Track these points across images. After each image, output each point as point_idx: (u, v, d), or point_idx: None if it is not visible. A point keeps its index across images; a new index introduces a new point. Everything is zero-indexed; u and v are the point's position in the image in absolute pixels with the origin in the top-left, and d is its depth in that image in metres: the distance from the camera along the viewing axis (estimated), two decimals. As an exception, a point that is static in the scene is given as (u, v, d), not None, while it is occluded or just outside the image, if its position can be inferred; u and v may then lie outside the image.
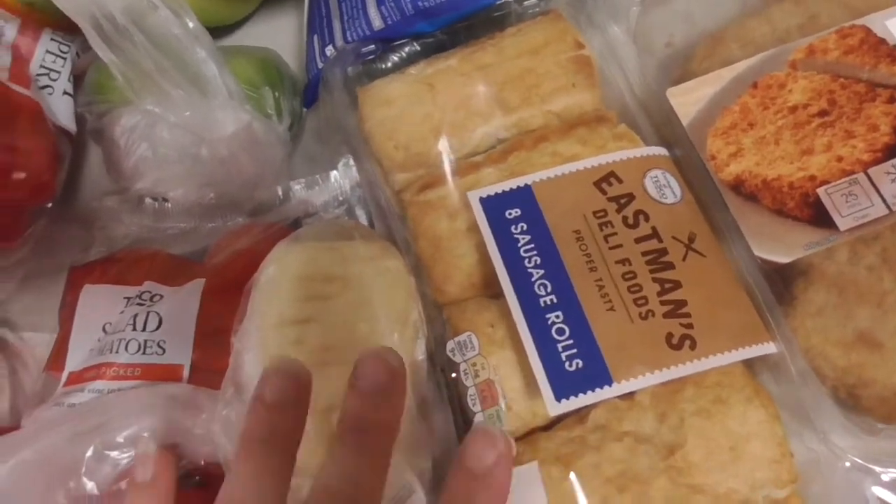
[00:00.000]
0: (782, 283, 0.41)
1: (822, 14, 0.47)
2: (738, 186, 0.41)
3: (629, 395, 0.37)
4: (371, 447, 0.27)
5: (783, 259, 0.39)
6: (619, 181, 0.40)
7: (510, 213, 0.39)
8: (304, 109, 0.49)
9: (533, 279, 0.38)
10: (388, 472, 0.26)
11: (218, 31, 0.54)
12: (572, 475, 0.35)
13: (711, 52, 0.47)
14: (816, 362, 0.39)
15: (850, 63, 0.43)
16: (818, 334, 0.39)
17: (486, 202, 0.40)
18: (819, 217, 0.40)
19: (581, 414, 0.37)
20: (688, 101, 0.44)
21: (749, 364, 0.38)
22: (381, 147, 0.44)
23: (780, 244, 0.40)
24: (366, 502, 0.25)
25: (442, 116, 0.44)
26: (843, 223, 0.39)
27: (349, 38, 0.46)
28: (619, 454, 0.36)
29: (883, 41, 0.43)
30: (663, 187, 0.40)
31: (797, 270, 0.41)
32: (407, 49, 0.45)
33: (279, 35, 0.54)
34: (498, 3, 0.45)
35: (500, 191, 0.40)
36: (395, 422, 0.28)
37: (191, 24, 0.42)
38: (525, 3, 0.46)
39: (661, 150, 0.42)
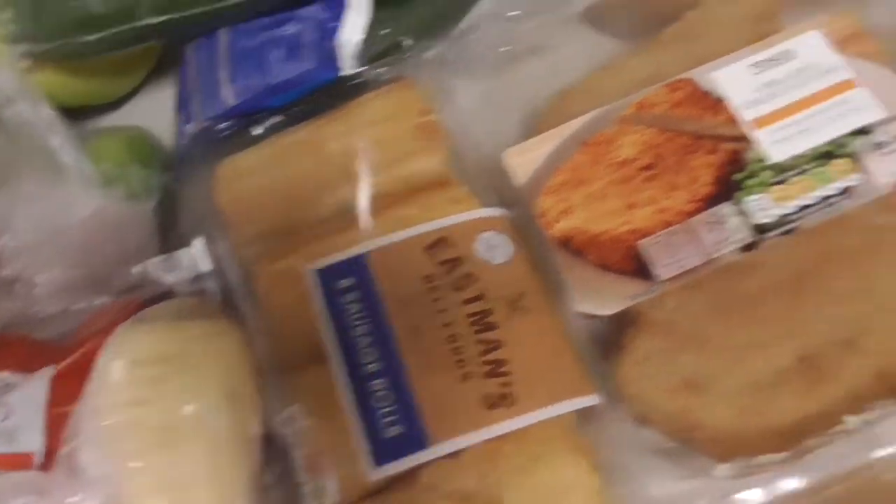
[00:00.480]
0: (615, 333, 0.42)
1: (669, 65, 0.49)
2: (566, 243, 0.43)
3: (455, 455, 0.39)
4: None
5: (606, 312, 0.41)
6: (451, 245, 0.42)
7: (343, 284, 0.41)
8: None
9: (359, 347, 0.40)
10: None
11: (101, 108, 0.56)
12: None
13: (557, 109, 0.49)
14: (645, 409, 0.41)
15: (677, 116, 0.45)
16: (646, 381, 0.41)
17: (320, 273, 0.42)
18: (640, 269, 0.41)
19: (412, 475, 0.39)
20: (525, 160, 0.46)
21: (576, 416, 0.40)
22: (234, 220, 0.46)
23: (604, 297, 0.42)
24: None
25: (292, 188, 0.46)
26: (663, 273, 0.41)
27: (207, 115, 0.48)
28: (441, 511, 0.37)
29: (707, 93, 0.45)
30: (494, 248, 0.42)
31: (628, 320, 0.42)
32: (265, 123, 0.48)
33: (164, 111, 0.57)
34: (343, 75, 0.47)
35: (334, 261, 0.42)
36: None
37: (46, 114, 0.44)
38: (376, 70, 0.48)
39: (499, 212, 0.44)
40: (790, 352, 0.40)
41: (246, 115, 0.48)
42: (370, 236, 0.43)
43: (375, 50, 0.52)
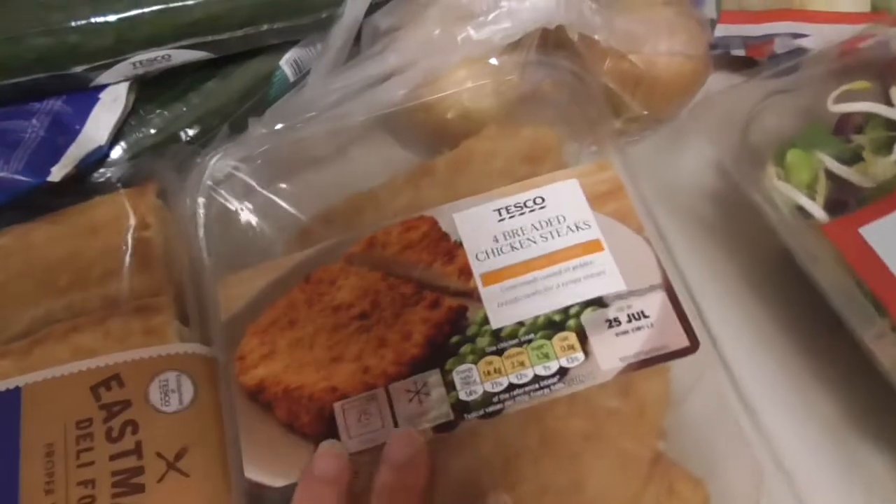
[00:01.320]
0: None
1: (428, 196, 0.45)
2: (257, 394, 0.38)
3: None
4: None
5: (275, 483, 0.36)
6: (122, 385, 0.37)
7: (-14, 420, 0.36)
8: None
9: (-22, 502, 0.34)
10: None
11: None
12: None
13: (297, 238, 0.44)
14: None
15: (405, 260, 0.40)
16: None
17: (-34, 405, 0.37)
18: (327, 436, 0.37)
19: None
20: (239, 292, 0.41)
21: None
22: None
23: (280, 465, 0.37)
24: None
25: (-13, 295, 0.41)
26: (350, 445, 0.36)
27: None
28: None
29: (445, 236, 0.41)
30: (170, 393, 0.38)
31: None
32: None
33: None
34: (52, 181, 0.42)
35: (-15, 392, 0.37)
36: (422, 488, 0.33)
37: None
38: (99, 177, 0.44)
39: (191, 348, 0.39)
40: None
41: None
42: (35, 366, 0.38)
43: (143, 145, 0.47)
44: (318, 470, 0.34)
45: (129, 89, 0.47)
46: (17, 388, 0.37)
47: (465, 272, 0.40)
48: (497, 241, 0.40)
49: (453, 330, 0.38)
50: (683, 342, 0.37)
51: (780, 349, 0.43)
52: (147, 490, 0.35)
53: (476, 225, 0.41)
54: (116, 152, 0.47)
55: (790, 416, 0.40)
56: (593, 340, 0.37)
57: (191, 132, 0.49)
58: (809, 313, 0.43)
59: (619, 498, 0.36)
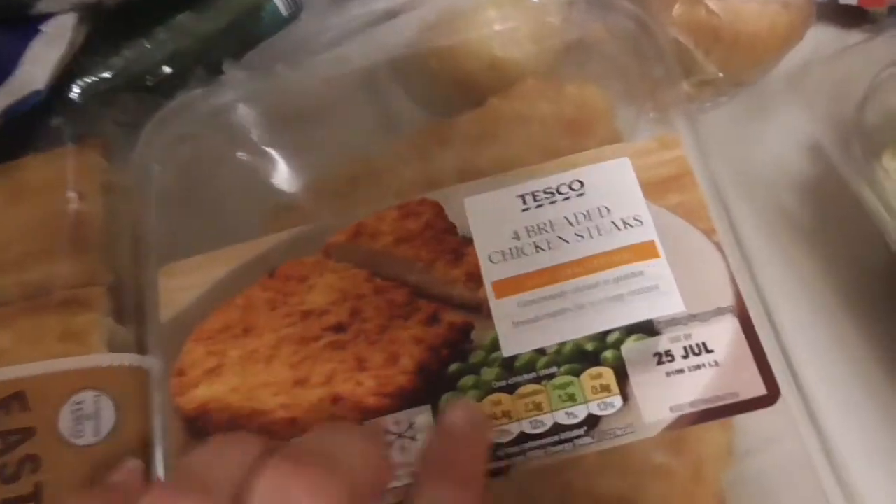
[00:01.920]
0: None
1: (441, 169, 0.35)
2: (196, 420, 0.30)
3: None
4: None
5: (212, 543, 0.28)
6: (26, 408, 0.29)
7: None
8: None
9: None
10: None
11: None
12: None
13: (273, 215, 0.35)
14: None
15: (399, 257, 0.31)
16: None
17: None
18: (281, 484, 0.28)
19: None
20: (186, 283, 0.32)
21: None
22: None
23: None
24: None
25: None
26: (306, 499, 0.27)
27: None
28: None
29: (452, 228, 0.31)
30: (85, 420, 0.29)
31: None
32: None
33: None
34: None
35: None
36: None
37: None
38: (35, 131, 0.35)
39: (119, 359, 0.31)
40: None
41: None
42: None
43: (95, 90, 0.39)
44: None
45: (80, 21, 0.38)
46: None
47: (474, 278, 0.30)
48: (518, 237, 0.31)
49: (453, 355, 0.29)
50: (759, 389, 0.27)
51: (886, 398, 0.32)
52: (45, 547, 0.27)
53: (492, 214, 0.31)
54: (60, 100, 0.38)
55: (890, 492, 0.30)
56: (635, 381, 0.28)
57: (156, 76, 0.40)
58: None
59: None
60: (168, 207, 0.35)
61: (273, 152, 0.38)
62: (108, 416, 0.30)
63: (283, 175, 0.38)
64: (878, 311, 0.34)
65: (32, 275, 0.33)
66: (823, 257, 0.35)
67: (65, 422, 0.29)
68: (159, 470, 0.29)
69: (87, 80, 0.40)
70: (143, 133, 0.37)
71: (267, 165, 0.38)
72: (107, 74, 0.40)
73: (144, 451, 0.30)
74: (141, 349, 0.32)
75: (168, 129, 0.37)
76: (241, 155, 0.38)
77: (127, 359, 0.31)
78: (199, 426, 0.30)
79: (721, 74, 0.37)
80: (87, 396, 0.30)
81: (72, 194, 0.34)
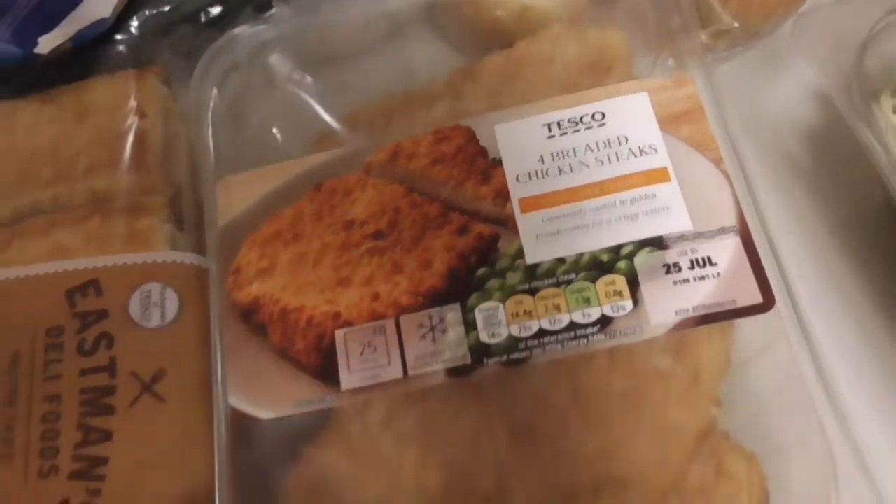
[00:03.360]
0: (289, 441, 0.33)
1: (470, 102, 0.38)
2: (251, 312, 0.33)
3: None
4: None
5: (264, 415, 0.32)
6: (100, 293, 0.33)
7: (-50, 318, 0.32)
8: None
9: (-67, 407, 0.31)
10: None
11: None
12: None
13: (317, 141, 0.39)
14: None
15: (434, 175, 0.35)
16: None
17: (-69, 299, 0.33)
18: (325, 368, 0.32)
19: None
20: (241, 195, 0.36)
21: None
22: None
23: (269, 395, 0.32)
24: None
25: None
26: (347, 381, 0.32)
27: None
28: None
29: (483, 151, 0.35)
30: (152, 306, 0.33)
31: (307, 428, 0.33)
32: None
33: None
34: (40, 53, 0.37)
35: (-51, 287, 0.33)
36: None
37: None
38: (99, 57, 0.38)
39: (180, 257, 0.34)
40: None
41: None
42: (10, 261, 0.34)
43: (154, 23, 0.42)
44: None
45: (142, -43, 0.41)
46: (-14, 285, 0.33)
47: (502, 195, 0.34)
48: (543, 161, 0.34)
49: (481, 261, 0.33)
50: (756, 298, 0.31)
51: (870, 323, 0.35)
52: (117, 412, 0.31)
53: (520, 141, 0.35)
54: (123, 29, 0.41)
55: (873, 402, 0.34)
56: (645, 287, 0.31)
57: (211, 11, 0.43)
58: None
59: (658, 473, 0.31)
60: (222, 129, 0.38)
61: (314, 86, 0.41)
62: (172, 304, 0.33)
63: (323, 106, 0.41)
64: (866, 243, 0.37)
65: (99, 183, 0.37)
66: (821, 194, 0.38)
67: (134, 307, 0.33)
68: (217, 354, 0.33)
69: (148, 12, 0.43)
70: (200, 62, 0.40)
71: (308, 97, 0.41)
72: (165, 8, 0.43)
73: (204, 336, 0.33)
74: (200, 253, 0.35)
75: (221, 60, 0.40)
76: (287, 86, 0.41)
77: (188, 258, 0.35)
78: (253, 317, 0.33)
79: (737, 24, 0.40)
80: (154, 287, 0.33)
81: (134, 113, 0.37)
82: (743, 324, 0.32)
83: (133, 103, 0.37)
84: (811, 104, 0.42)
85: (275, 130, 0.40)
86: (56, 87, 0.39)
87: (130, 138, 0.36)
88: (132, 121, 0.37)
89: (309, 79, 0.41)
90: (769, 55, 0.42)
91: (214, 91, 0.39)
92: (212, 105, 0.39)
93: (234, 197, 0.36)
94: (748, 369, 0.33)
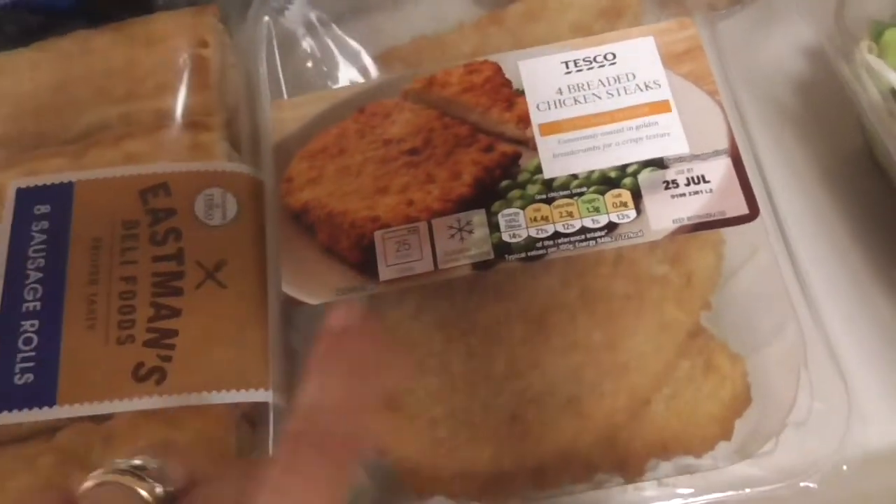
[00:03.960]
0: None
1: (494, 43, 0.43)
2: (301, 215, 0.38)
3: (100, 420, 0.35)
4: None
5: (311, 300, 0.36)
6: (168, 194, 0.38)
7: (39, 209, 0.37)
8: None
9: (27, 282, 0.36)
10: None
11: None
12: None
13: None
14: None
15: (464, 102, 0.39)
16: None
17: (21, 194, 0.38)
18: (365, 262, 0.37)
19: (52, 430, 0.35)
20: (292, 116, 0.41)
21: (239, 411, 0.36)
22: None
23: (317, 284, 0.37)
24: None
25: (48, 97, 0.42)
26: (384, 273, 0.36)
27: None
28: (51, 481, 0.34)
29: (508, 83, 0.39)
30: (214, 207, 0.38)
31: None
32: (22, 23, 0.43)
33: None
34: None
35: (40, 184, 0.38)
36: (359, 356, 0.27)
37: None
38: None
39: (238, 167, 0.39)
40: (509, 394, 0.35)
41: (28, 8, 0.44)
42: (88, 166, 0.38)
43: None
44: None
45: None
46: (71, 183, 0.38)
47: (524, 120, 0.38)
48: (561, 93, 0.39)
49: (504, 174, 0.37)
50: (743, 209, 0.35)
51: (838, 231, 0.40)
52: (185, 294, 0.36)
53: (541, 75, 0.39)
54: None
55: (845, 310, 0.38)
56: (647, 200, 0.36)
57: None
58: (879, 210, 0.40)
59: (652, 363, 0.35)
60: (272, 60, 0.43)
61: (352, 29, 0.46)
62: (231, 207, 0.38)
63: (361, 45, 0.46)
64: (843, 174, 0.42)
65: (164, 103, 0.41)
66: (806, 133, 0.42)
67: (199, 207, 0.38)
68: (272, 249, 0.37)
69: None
70: (253, 4, 0.44)
71: (351, 36, 0.46)
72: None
73: (259, 235, 0.38)
74: (255, 168, 0.40)
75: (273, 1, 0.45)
76: (332, 26, 0.46)
77: (245, 168, 0.40)
78: (303, 219, 0.38)
79: (736, -17, 0.45)
80: (216, 191, 0.38)
81: (196, 43, 0.42)
82: (731, 237, 0.37)
83: (195, 34, 0.42)
84: (802, 58, 0.46)
85: (319, 65, 0.45)
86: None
87: (193, 64, 0.41)
88: (195, 49, 0.41)
89: (350, 21, 0.46)
90: (765, 13, 0.47)
91: (265, 28, 0.44)
92: (264, 40, 0.44)
93: (287, 117, 0.40)
94: (736, 279, 0.38)
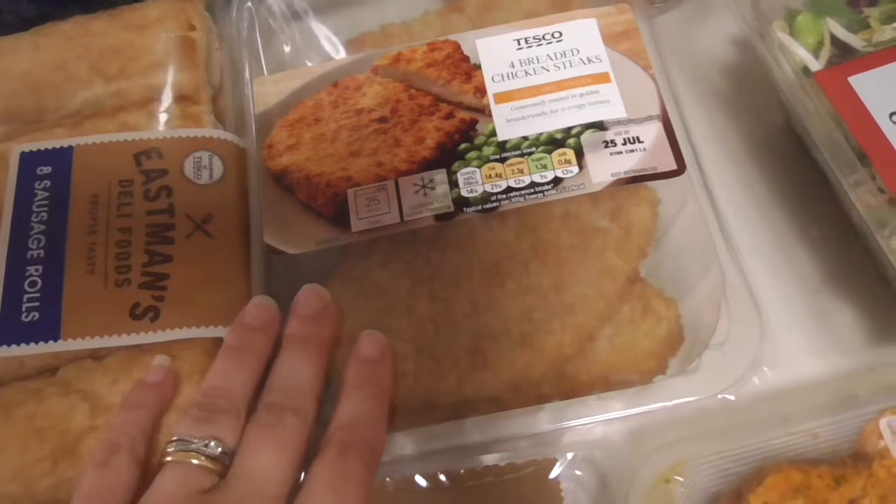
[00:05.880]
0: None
1: (458, 27, 0.48)
2: (282, 176, 0.42)
3: (99, 357, 0.39)
4: (310, 353, 0.36)
5: (290, 250, 0.41)
6: (160, 156, 0.42)
7: (41, 170, 0.41)
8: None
9: (32, 232, 0.39)
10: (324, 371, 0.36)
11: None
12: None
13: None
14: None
15: (427, 75, 0.44)
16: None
17: (24, 156, 0.42)
18: (339, 216, 0.41)
19: (53, 367, 0.39)
20: (272, 90, 0.45)
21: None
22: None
23: (295, 237, 0.41)
24: (307, 389, 0.35)
25: (47, 76, 0.46)
26: (356, 225, 0.40)
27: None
28: (56, 409, 0.37)
29: (466, 59, 0.44)
30: (203, 168, 0.42)
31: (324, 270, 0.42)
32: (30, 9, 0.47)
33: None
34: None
35: (42, 148, 0.42)
36: (328, 338, 0.37)
37: None
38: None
39: (224, 135, 0.43)
40: (468, 332, 0.40)
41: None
42: (86, 134, 0.42)
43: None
44: (249, 317, 0.37)
45: None
46: (70, 147, 0.42)
47: (481, 91, 0.43)
48: (513, 66, 0.44)
49: (463, 138, 0.42)
50: (671, 165, 0.40)
51: (755, 183, 0.45)
52: (176, 243, 0.40)
53: (496, 51, 0.44)
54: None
55: (758, 240, 0.43)
56: (589, 157, 0.41)
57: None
58: (798, 177, 0.46)
59: (595, 304, 0.40)
60: (253, 43, 0.48)
61: (325, 18, 0.51)
62: (218, 168, 0.42)
63: (334, 32, 0.50)
64: (766, 146, 0.47)
65: (155, 80, 0.45)
66: (732, 110, 0.48)
67: (188, 167, 0.42)
68: (256, 205, 0.42)
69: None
70: (237, -7, 0.49)
71: (325, 24, 0.50)
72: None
73: (242, 194, 0.42)
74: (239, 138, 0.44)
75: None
76: (306, 16, 0.50)
77: (230, 136, 0.44)
78: (283, 180, 0.42)
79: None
80: (204, 154, 0.42)
81: (185, 26, 0.46)
82: (665, 195, 0.42)
83: (183, 19, 0.46)
84: (731, 47, 0.52)
85: (296, 50, 0.49)
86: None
87: (182, 45, 0.45)
88: (184, 31, 0.46)
89: (324, 13, 0.51)
90: (699, 7, 0.53)
91: (247, 14, 0.49)
92: (246, 24, 0.49)
93: (268, 91, 0.45)
94: (668, 233, 0.43)
